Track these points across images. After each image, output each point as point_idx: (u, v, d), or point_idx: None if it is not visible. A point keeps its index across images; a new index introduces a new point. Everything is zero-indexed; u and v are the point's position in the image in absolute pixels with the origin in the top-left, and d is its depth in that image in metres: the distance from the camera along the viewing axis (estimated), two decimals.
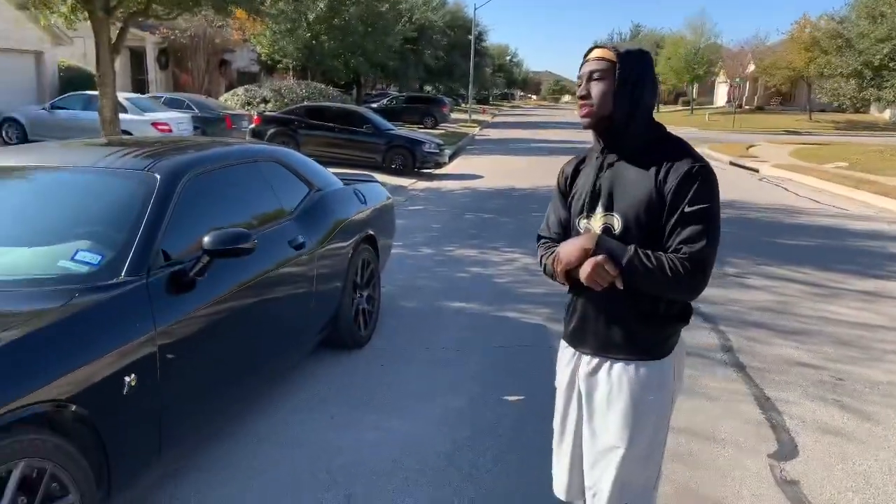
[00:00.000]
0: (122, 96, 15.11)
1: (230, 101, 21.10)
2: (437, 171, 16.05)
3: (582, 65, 1.92)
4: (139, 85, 25.72)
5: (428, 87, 48.97)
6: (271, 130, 15.77)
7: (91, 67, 11.40)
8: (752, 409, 3.88)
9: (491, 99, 77.11)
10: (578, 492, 2.09)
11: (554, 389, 2.15)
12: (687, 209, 1.78)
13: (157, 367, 2.48)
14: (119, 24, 11.88)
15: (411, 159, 15.42)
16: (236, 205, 3.38)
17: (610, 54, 1.85)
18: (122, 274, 2.53)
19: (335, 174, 5.00)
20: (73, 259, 2.55)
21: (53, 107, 15.39)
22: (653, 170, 1.84)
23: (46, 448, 2.04)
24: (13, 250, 2.66)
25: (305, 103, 17.72)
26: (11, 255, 2.63)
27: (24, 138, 15.07)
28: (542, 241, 2.10)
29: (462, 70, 43.72)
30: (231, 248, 2.76)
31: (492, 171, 15.88)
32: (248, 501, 2.83)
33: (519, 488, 3.00)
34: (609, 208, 1.90)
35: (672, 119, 47.71)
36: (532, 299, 5.84)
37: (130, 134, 14.11)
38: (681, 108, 59.47)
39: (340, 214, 4.27)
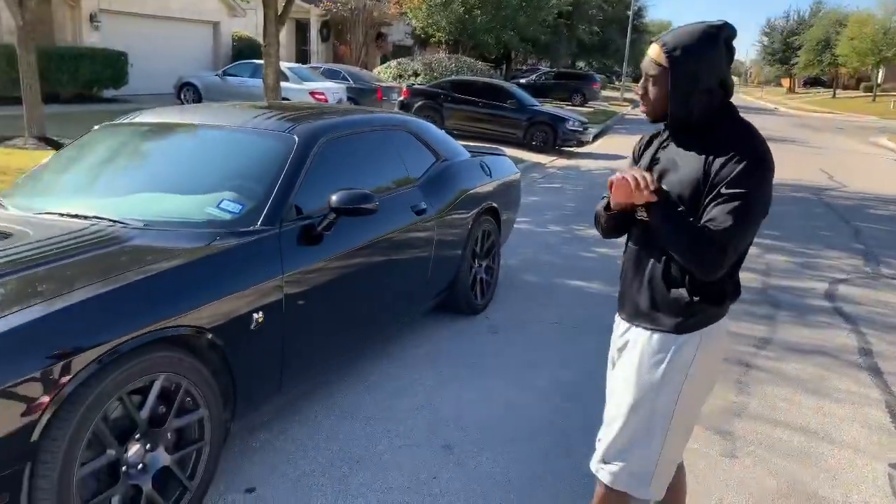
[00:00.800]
0: (285, 66, 16.17)
1: (383, 73, 21.90)
2: (579, 150, 15.82)
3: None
4: (302, 55, 27.31)
5: (580, 64, 47.95)
6: (418, 103, 16.23)
7: (260, 38, 12.25)
8: (882, 416, 3.63)
9: None
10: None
11: None
12: (724, 190, 1.78)
13: (282, 308, 2.77)
14: None
15: (552, 136, 15.29)
16: (365, 169, 3.61)
17: (661, 58, 1.83)
18: (259, 223, 2.83)
19: (467, 147, 5.16)
20: (218, 207, 2.89)
21: (225, 73, 16.78)
22: (707, 153, 1.84)
23: (183, 367, 2.37)
24: (173, 196, 3.05)
25: (452, 77, 18.02)
26: (171, 200, 3.02)
27: (199, 101, 16.57)
28: (604, 197, 2.14)
29: (617, 46, 42.36)
30: (354, 207, 2.99)
31: None
32: (353, 445, 3.08)
33: None
34: (658, 179, 1.93)
35: (850, 106, 43.56)
36: None
37: (289, 101, 15.15)
38: (862, 93, 54.10)
39: (464, 184, 4.43)
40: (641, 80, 1.93)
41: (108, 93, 16.23)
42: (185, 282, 2.44)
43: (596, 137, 19.38)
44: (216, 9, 20.05)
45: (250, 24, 23.03)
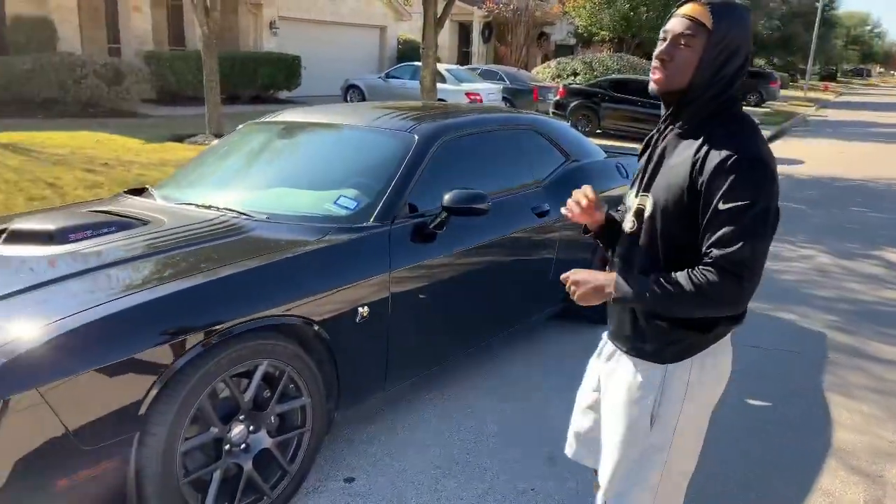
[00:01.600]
0: (443, 67, 16.55)
1: (542, 73, 21.74)
2: None
3: (669, 17, 1.64)
4: (464, 57, 27.82)
5: (760, 61, 44.69)
6: (574, 103, 15.93)
7: None
8: None
9: (839, 75, 67.55)
10: (583, 452, 2.03)
11: None
12: (721, 206, 1.49)
13: (388, 304, 2.80)
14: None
15: None
16: (485, 169, 3.57)
17: (705, 16, 1.56)
18: (371, 219, 2.89)
19: (605, 148, 4.96)
20: (335, 203, 2.99)
21: (388, 76, 17.48)
22: (693, 152, 1.57)
23: (287, 354, 2.46)
24: (296, 191, 3.20)
25: (611, 76, 17.48)
26: (294, 195, 3.17)
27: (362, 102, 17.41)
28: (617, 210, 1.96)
29: (802, 42, 38.96)
30: (466, 206, 2.96)
31: (815, 157, 14.07)
32: (455, 447, 3.06)
33: (726, 490, 2.77)
34: (647, 188, 1.68)
35: None
36: (816, 303, 5.17)
37: (444, 101, 15.48)
38: None
39: (595, 186, 4.23)
40: (665, 44, 1.60)
41: (283, 94, 17.50)
42: (293, 273, 2.54)
43: (771, 140, 17.99)
44: (384, 13, 20.96)
45: (415, 28, 23.81)
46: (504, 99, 16.86)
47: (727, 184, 1.49)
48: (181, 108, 14.47)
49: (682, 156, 1.60)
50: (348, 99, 17.90)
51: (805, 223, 8.13)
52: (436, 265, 3.05)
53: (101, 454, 2.02)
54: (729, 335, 1.75)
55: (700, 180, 1.54)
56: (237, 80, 16.01)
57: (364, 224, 2.86)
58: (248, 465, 2.42)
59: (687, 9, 1.60)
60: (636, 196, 1.73)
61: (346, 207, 2.95)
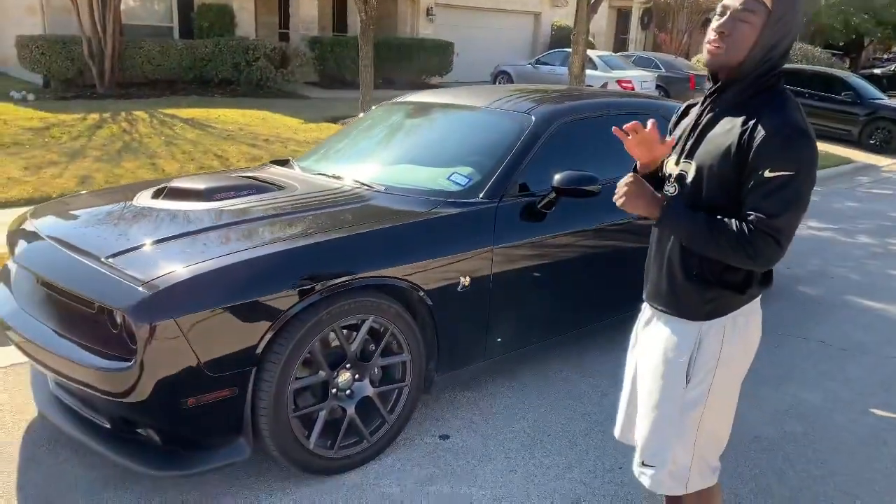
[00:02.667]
0: (595, 54, 16.26)
1: (702, 61, 20.66)
2: None
3: None
4: (621, 44, 27.03)
5: None
6: None
7: None
8: None
9: None
10: (629, 434, 2.04)
11: None
12: (767, 174, 1.59)
13: (490, 277, 2.94)
14: None
15: None
16: (603, 153, 3.57)
17: None
18: (480, 196, 3.04)
19: None
20: (448, 178, 3.16)
21: (538, 62, 17.45)
22: (741, 124, 1.65)
23: (391, 313, 2.68)
24: (416, 167, 3.41)
25: None
26: (413, 170, 3.38)
27: None
28: None
29: None
30: (575, 188, 3.02)
31: None
32: (551, 420, 3.15)
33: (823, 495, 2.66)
34: (690, 156, 1.76)
35: None
36: None
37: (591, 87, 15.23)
38: None
39: None
40: (724, 18, 1.66)
41: (435, 80, 17.99)
42: (400, 240, 2.75)
43: None
44: (539, 0, 20.88)
45: (570, 14, 23.45)
46: (658, 87, 16.30)
47: (774, 154, 1.59)
48: (340, 90, 15.34)
49: (728, 126, 1.68)
50: (497, 83, 18.09)
51: None
52: (541, 244, 3.14)
53: (223, 382, 2.34)
54: (759, 299, 1.83)
55: (748, 149, 1.62)
56: (393, 65, 16.68)
57: (472, 200, 3.02)
58: (351, 410, 2.67)
59: None
60: (676, 164, 1.80)
61: (458, 183, 3.12)
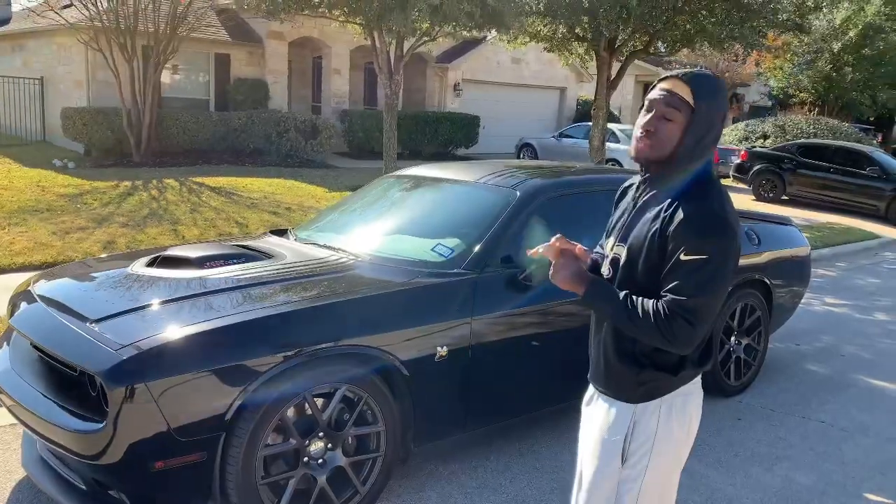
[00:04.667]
0: (618, 127, 16.55)
1: (728, 135, 20.83)
2: None
3: (652, 88, 1.73)
4: None
5: None
6: (757, 167, 15.14)
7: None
8: None
9: None
10: None
11: None
12: (682, 257, 1.63)
13: (468, 347, 2.98)
14: (621, 62, 13.07)
15: None
16: (587, 227, 3.64)
17: (687, 93, 1.69)
18: (462, 267, 3.11)
19: (748, 213, 4.79)
20: (432, 250, 3.25)
21: (561, 135, 17.79)
22: (664, 209, 1.70)
23: (366, 382, 2.73)
24: (403, 237, 3.52)
25: (800, 140, 16.38)
26: (401, 241, 3.48)
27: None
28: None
29: None
30: None
31: None
32: (530, 493, 3.12)
33: None
34: (623, 239, 1.80)
35: None
36: None
37: (618, 162, 15.41)
38: None
39: None
40: (650, 116, 1.72)
41: (460, 151, 18.41)
42: (377, 308, 2.83)
43: None
44: (565, 76, 21.40)
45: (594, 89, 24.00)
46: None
47: (689, 238, 1.64)
48: (368, 161, 15.78)
49: (654, 211, 1.73)
50: (521, 156, 18.42)
51: None
52: (522, 315, 3.19)
53: (192, 446, 2.39)
54: (699, 380, 1.83)
55: (667, 233, 1.66)
56: (419, 137, 17.16)
57: (454, 270, 3.09)
58: (322, 479, 2.69)
59: (669, 84, 1.72)
60: (612, 247, 1.85)
61: (441, 254, 3.21)
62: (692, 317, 1.62)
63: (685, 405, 1.80)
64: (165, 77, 14.23)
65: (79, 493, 2.56)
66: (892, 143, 27.10)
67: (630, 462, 1.79)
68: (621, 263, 1.79)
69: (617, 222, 1.89)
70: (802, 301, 5.26)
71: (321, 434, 2.69)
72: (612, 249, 1.86)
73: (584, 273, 1.78)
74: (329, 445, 2.72)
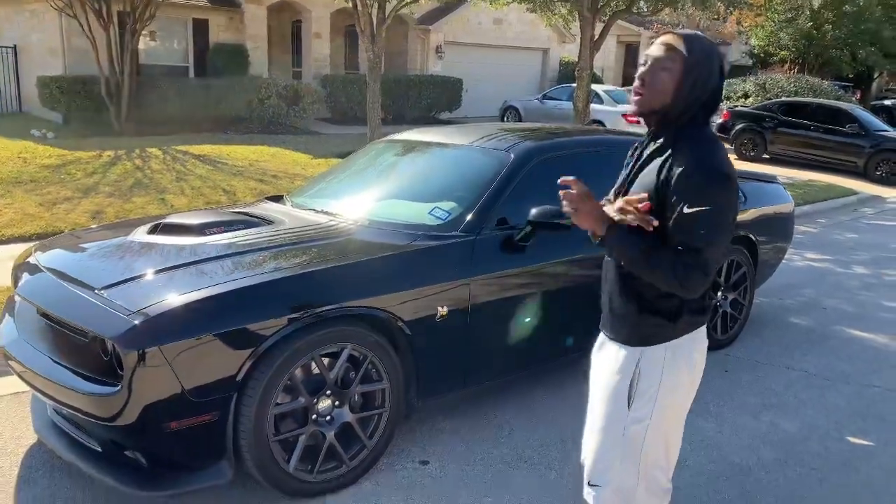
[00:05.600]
0: (601, 88, 16.53)
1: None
2: None
3: (650, 46, 1.84)
4: (630, 78, 27.36)
5: None
6: (739, 126, 15.25)
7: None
8: None
9: None
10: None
11: None
12: (686, 210, 1.71)
13: (467, 307, 3.07)
14: (604, 22, 13.03)
15: None
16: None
17: (680, 45, 1.78)
18: (459, 229, 3.18)
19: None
20: (430, 213, 3.31)
21: (545, 97, 17.75)
22: (662, 162, 1.79)
23: (370, 342, 2.81)
24: (399, 202, 3.57)
25: (782, 98, 16.48)
26: (396, 205, 3.54)
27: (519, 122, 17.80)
28: None
29: None
30: (550, 221, 3.15)
31: None
32: (528, 447, 3.24)
33: None
34: (626, 194, 1.88)
35: None
36: None
37: (602, 123, 15.44)
38: None
39: None
40: (645, 67, 1.81)
41: (444, 115, 18.33)
42: (379, 271, 2.90)
43: None
44: (547, 36, 21.25)
45: (578, 49, 23.87)
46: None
47: (690, 190, 1.72)
48: (350, 126, 15.68)
49: (655, 165, 1.81)
50: (505, 119, 18.37)
51: None
52: (519, 275, 3.27)
53: (205, 407, 2.47)
54: (703, 330, 1.93)
55: (667, 186, 1.75)
56: (402, 102, 17.05)
57: (451, 233, 3.16)
58: (330, 435, 2.79)
59: (664, 38, 1.83)
60: (618, 201, 1.92)
61: (438, 218, 3.27)
62: (706, 266, 1.71)
63: (690, 352, 1.90)
64: (143, 44, 13.97)
65: (94, 454, 2.63)
66: (871, 100, 27.32)
67: (636, 405, 1.89)
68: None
69: (621, 178, 1.98)
70: (785, 257, 5.40)
71: (329, 392, 2.77)
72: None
73: (604, 216, 1.82)
74: (336, 403, 2.81)
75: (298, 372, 2.67)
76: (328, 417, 2.79)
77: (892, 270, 6.88)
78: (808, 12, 22.31)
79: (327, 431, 2.78)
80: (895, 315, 5.44)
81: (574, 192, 1.81)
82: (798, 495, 2.92)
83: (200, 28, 15.43)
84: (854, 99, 23.13)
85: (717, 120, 16.22)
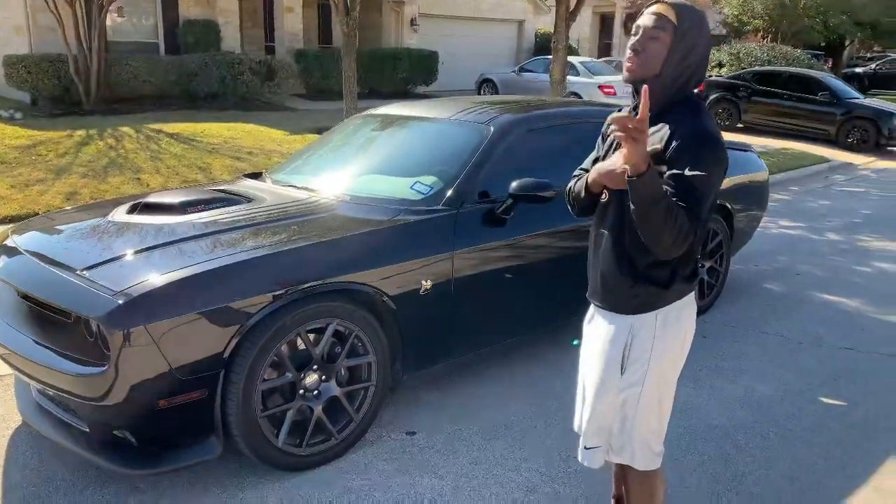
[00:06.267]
0: (577, 60, 16.51)
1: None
2: None
3: (640, 15, 1.87)
4: (605, 49, 27.33)
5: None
6: (713, 96, 15.33)
7: None
8: None
9: None
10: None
11: None
12: (687, 173, 1.76)
13: (451, 280, 3.10)
14: None
15: (874, 133, 13.37)
16: (560, 160, 3.70)
17: (671, 14, 1.82)
18: (441, 203, 3.20)
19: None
20: (411, 188, 3.32)
21: (521, 69, 17.69)
22: (662, 129, 1.83)
23: (356, 317, 2.83)
24: (381, 177, 3.57)
25: (755, 67, 16.59)
26: (378, 180, 3.54)
27: (496, 95, 17.74)
28: (575, 176, 2.12)
29: None
30: (530, 193, 3.18)
31: None
32: (513, 417, 3.31)
33: (773, 485, 2.82)
34: None
35: None
36: None
37: (578, 95, 15.43)
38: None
39: None
40: (637, 37, 1.85)
41: (420, 89, 18.18)
42: (363, 247, 2.91)
43: None
44: (522, 8, 21.14)
45: (553, 21, 23.74)
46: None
47: (687, 156, 1.77)
48: (325, 102, 15.50)
49: (651, 134, 1.83)
50: (482, 92, 18.29)
51: None
52: (501, 248, 3.31)
53: (193, 384, 2.49)
54: (692, 296, 1.99)
55: (667, 153, 1.80)
56: (377, 76, 16.88)
57: (433, 207, 3.18)
58: (318, 409, 2.82)
59: (655, 7, 1.86)
60: None
61: (420, 192, 3.28)
62: (697, 223, 1.76)
63: (679, 318, 1.95)
64: (111, 20, 13.63)
65: (82, 434, 2.64)
66: (842, 68, 27.59)
67: (629, 371, 1.95)
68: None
69: (612, 147, 1.99)
70: (760, 225, 5.50)
71: (315, 367, 2.80)
72: None
73: (647, 155, 1.76)
74: (323, 377, 2.84)
75: (285, 348, 2.68)
76: (315, 392, 2.82)
77: (863, 236, 7.03)
78: None
79: (315, 406, 2.82)
80: (866, 279, 5.58)
81: (638, 117, 1.64)
82: (773, 454, 3.02)
83: (170, 3, 15.07)
84: (826, 67, 23.34)
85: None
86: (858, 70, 28.59)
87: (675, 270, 1.90)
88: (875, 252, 6.42)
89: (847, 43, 28.45)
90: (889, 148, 13.50)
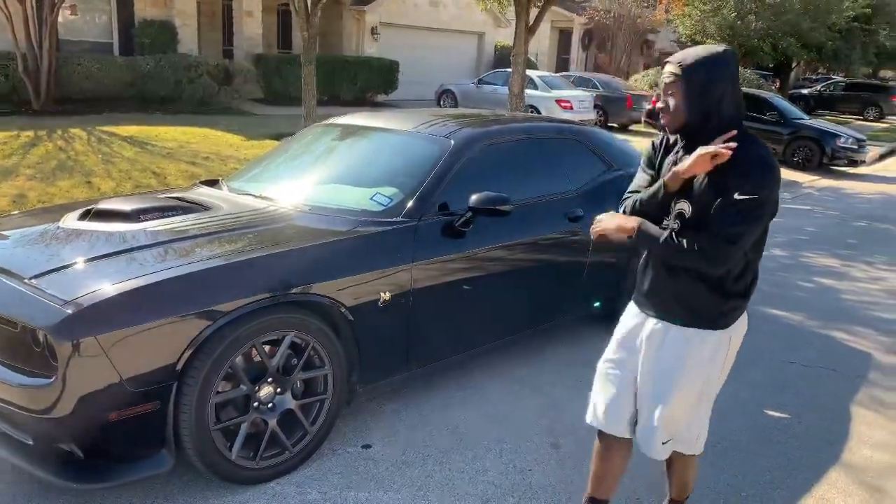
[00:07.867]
0: (536, 74, 16.72)
1: (640, 81, 21.43)
2: (853, 171, 14.13)
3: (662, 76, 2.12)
4: (563, 63, 27.78)
5: (889, 73, 41.92)
6: None
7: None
8: None
9: None
10: (619, 426, 2.37)
11: None
12: (737, 196, 1.96)
13: (410, 292, 3.11)
14: (538, 7, 13.16)
15: (818, 154, 13.88)
16: (522, 174, 3.81)
17: (675, 67, 2.06)
18: (401, 215, 3.21)
19: None
20: (371, 199, 3.32)
21: (480, 82, 17.82)
22: (723, 166, 2.00)
23: (312, 329, 2.82)
24: (340, 187, 3.57)
25: None
26: (337, 190, 3.53)
27: (455, 107, 17.83)
28: (628, 195, 2.30)
29: None
30: (489, 207, 3.22)
31: None
32: (469, 428, 3.32)
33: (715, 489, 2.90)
34: (687, 196, 2.10)
35: None
36: (876, 324, 5.06)
37: (536, 109, 15.63)
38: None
39: None
40: (661, 99, 2.12)
41: (380, 98, 18.17)
42: (320, 258, 2.90)
43: (883, 158, 17.05)
44: (483, 20, 21.32)
45: (512, 35, 24.04)
46: (596, 107, 16.83)
47: (744, 181, 1.97)
48: (285, 107, 15.37)
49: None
50: (441, 103, 18.37)
51: (890, 245, 7.82)
52: (460, 260, 3.33)
53: (145, 396, 2.43)
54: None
55: (726, 178, 1.99)
56: (337, 83, 16.82)
57: (393, 219, 3.19)
58: (272, 422, 2.79)
59: (666, 68, 2.11)
60: (674, 203, 2.13)
61: (380, 203, 3.29)
62: (737, 240, 1.98)
63: (744, 323, 2.26)
64: (62, 18, 13.29)
65: (26, 448, 2.55)
66: (789, 89, 28.58)
67: (714, 376, 2.24)
68: (688, 216, 2.09)
69: (653, 175, 2.25)
70: None
71: (270, 379, 2.77)
72: (675, 205, 2.13)
73: (626, 218, 2.14)
74: (278, 390, 2.81)
75: (239, 360, 2.65)
76: (270, 405, 2.79)
77: (807, 252, 7.28)
78: (731, 3, 23.07)
79: (269, 418, 2.78)
80: (810, 294, 5.78)
81: (600, 226, 2.21)
82: (720, 465, 3.10)
83: (125, 2, 14.79)
84: (773, 88, 24.17)
85: (646, 106, 16.72)
86: (804, 91, 29.69)
87: (749, 282, 2.18)
88: (818, 268, 6.65)
89: (794, 65, 29.48)
90: (834, 167, 14.04)
